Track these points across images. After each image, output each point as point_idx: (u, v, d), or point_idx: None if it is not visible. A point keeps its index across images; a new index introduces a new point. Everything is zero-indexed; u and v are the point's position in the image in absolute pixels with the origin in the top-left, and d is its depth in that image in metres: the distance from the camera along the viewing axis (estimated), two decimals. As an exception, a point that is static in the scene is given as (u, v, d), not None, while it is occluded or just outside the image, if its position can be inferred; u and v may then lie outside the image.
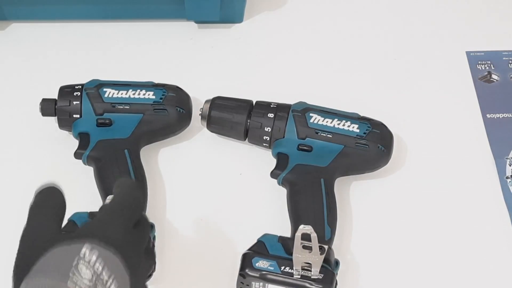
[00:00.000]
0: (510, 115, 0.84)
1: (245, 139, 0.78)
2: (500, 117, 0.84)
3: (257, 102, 0.77)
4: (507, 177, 0.78)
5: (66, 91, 0.77)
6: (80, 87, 0.76)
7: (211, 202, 0.77)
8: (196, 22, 0.91)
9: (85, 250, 0.49)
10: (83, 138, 0.75)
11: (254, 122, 0.76)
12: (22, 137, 0.81)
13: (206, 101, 0.78)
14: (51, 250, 0.49)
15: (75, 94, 0.76)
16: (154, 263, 0.64)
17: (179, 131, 0.79)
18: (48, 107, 0.76)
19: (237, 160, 0.79)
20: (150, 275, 0.63)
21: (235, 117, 0.76)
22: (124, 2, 0.89)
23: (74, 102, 0.76)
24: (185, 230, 0.74)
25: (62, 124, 0.77)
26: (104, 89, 0.76)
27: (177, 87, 0.78)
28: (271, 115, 0.75)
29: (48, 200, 0.54)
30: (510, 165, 0.79)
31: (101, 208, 0.57)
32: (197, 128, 0.81)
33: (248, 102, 0.77)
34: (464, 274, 0.72)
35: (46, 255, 0.49)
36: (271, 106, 0.76)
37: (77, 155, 0.74)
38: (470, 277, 0.72)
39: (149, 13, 0.90)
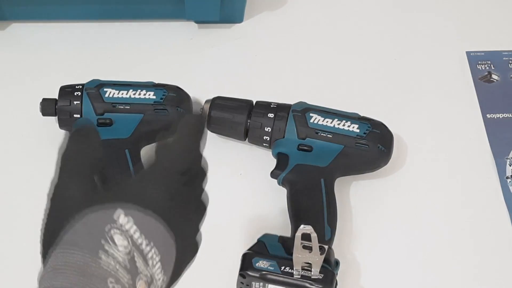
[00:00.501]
0: (510, 115, 0.84)
1: (245, 139, 0.78)
2: (500, 117, 0.84)
3: (257, 102, 0.77)
4: (507, 177, 0.78)
5: (67, 91, 0.77)
6: (81, 87, 0.76)
7: (211, 202, 0.76)
8: (196, 22, 0.91)
9: (119, 214, 0.44)
10: None
11: (254, 122, 0.76)
12: (22, 137, 0.81)
13: (206, 101, 0.78)
14: (81, 214, 0.44)
15: (75, 94, 0.76)
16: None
17: None
18: (48, 107, 0.76)
19: (237, 160, 0.79)
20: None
21: (235, 117, 0.76)
22: (124, 2, 0.89)
23: (75, 102, 0.76)
24: (185, 230, 0.74)
25: (63, 124, 0.77)
26: (105, 89, 0.76)
27: (178, 87, 0.78)
28: (271, 115, 0.75)
29: (83, 146, 0.47)
30: (510, 165, 0.79)
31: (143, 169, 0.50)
32: (197, 128, 0.80)
33: (248, 102, 0.77)
34: (464, 274, 0.72)
35: (76, 220, 0.43)
36: (271, 106, 0.76)
37: None
38: (470, 277, 0.72)
39: (149, 13, 0.90)
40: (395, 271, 0.72)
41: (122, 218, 0.44)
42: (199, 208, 0.52)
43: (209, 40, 0.91)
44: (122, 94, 0.76)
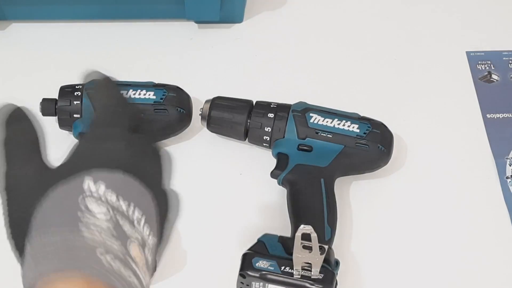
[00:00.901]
0: (510, 115, 0.84)
1: (245, 139, 0.78)
2: (500, 117, 0.84)
3: (257, 102, 0.77)
4: (507, 177, 0.78)
5: (67, 91, 0.77)
6: (81, 87, 0.76)
7: (211, 202, 0.77)
8: (196, 22, 0.91)
9: (87, 183, 0.41)
10: None
11: (254, 122, 0.76)
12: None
13: (206, 101, 0.78)
14: (47, 195, 0.40)
15: (75, 94, 0.76)
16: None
17: (180, 131, 0.79)
18: (48, 107, 0.76)
19: (237, 160, 0.79)
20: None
21: (235, 117, 0.76)
22: (124, 2, 0.89)
23: (75, 102, 0.76)
24: (185, 230, 0.74)
25: (63, 124, 0.77)
26: None
27: (178, 87, 0.78)
28: (271, 115, 0.75)
29: (18, 128, 0.44)
30: (510, 165, 0.79)
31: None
32: (197, 128, 0.81)
33: (248, 102, 0.77)
34: (464, 274, 0.72)
35: (42, 203, 0.40)
36: (271, 106, 0.76)
37: None
38: (470, 277, 0.72)
39: (149, 13, 0.90)
40: (395, 271, 0.72)
41: (92, 185, 0.41)
42: (156, 155, 0.47)
43: (209, 40, 0.91)
44: (122, 94, 0.76)
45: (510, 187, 0.77)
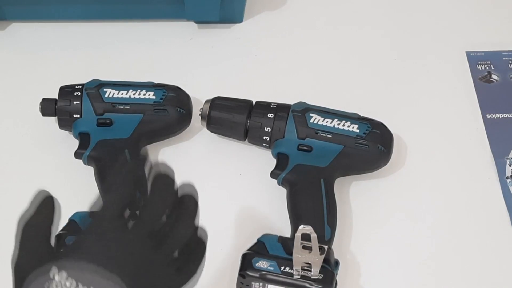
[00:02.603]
0: (510, 115, 0.84)
1: (245, 139, 0.78)
2: (500, 117, 0.84)
3: (257, 102, 0.77)
4: (507, 177, 0.78)
5: (67, 91, 0.77)
6: (81, 87, 0.76)
7: (211, 202, 0.77)
8: (196, 22, 0.91)
9: (54, 271, 0.46)
10: (83, 138, 0.75)
11: (254, 122, 0.76)
12: (22, 137, 0.81)
13: (206, 101, 0.78)
14: (27, 279, 0.47)
15: (75, 94, 0.76)
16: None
17: (179, 131, 0.79)
18: (48, 107, 0.76)
19: (237, 160, 0.79)
20: None
21: (235, 117, 0.76)
22: (124, 2, 0.89)
23: (75, 102, 0.76)
24: (185, 230, 0.74)
25: (62, 124, 0.77)
26: (105, 89, 0.76)
27: (177, 87, 0.79)
28: (271, 115, 0.75)
29: (42, 215, 0.50)
30: (510, 165, 0.79)
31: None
32: (197, 128, 0.81)
33: (248, 102, 0.77)
34: (464, 274, 0.72)
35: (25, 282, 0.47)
36: (271, 106, 0.76)
37: (77, 155, 0.74)
38: (470, 277, 0.72)
39: (149, 13, 0.90)
40: (395, 271, 0.72)
41: (57, 274, 0.46)
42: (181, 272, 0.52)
43: (209, 40, 0.91)
44: (122, 94, 0.76)
45: (510, 187, 0.77)
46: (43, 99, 0.77)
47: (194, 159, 0.79)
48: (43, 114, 0.77)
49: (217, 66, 0.88)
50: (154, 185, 0.51)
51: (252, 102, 0.77)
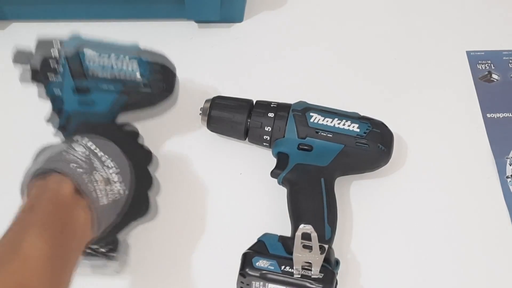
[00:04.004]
0: (510, 115, 0.84)
1: (245, 139, 0.78)
2: (500, 117, 0.84)
3: (257, 101, 0.77)
4: (507, 177, 0.78)
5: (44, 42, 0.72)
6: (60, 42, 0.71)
7: (211, 202, 0.77)
8: (196, 21, 0.91)
9: (77, 137, 0.62)
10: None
11: (254, 122, 0.76)
12: (22, 137, 0.81)
13: (207, 101, 0.78)
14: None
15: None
16: (151, 157, 0.69)
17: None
18: (22, 56, 0.72)
19: (237, 160, 0.79)
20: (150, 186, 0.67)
21: (235, 117, 0.76)
22: (124, 2, 0.89)
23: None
24: (185, 230, 0.74)
25: (35, 78, 0.71)
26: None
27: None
28: (271, 114, 0.75)
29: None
30: (510, 165, 0.79)
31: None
32: (197, 128, 0.81)
33: (248, 101, 0.77)
34: (464, 274, 0.72)
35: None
36: (271, 105, 0.76)
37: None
38: (470, 276, 0.72)
39: (149, 13, 0.90)
40: (395, 270, 0.72)
41: (80, 138, 0.62)
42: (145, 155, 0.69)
43: (209, 40, 0.91)
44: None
45: (510, 186, 0.77)
46: (17, 49, 0.71)
47: (194, 159, 0.79)
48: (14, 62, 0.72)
49: (217, 65, 0.88)
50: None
51: (253, 101, 0.77)
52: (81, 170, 0.58)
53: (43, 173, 0.58)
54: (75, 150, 0.60)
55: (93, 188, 0.58)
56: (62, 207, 0.56)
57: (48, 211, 0.55)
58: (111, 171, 0.61)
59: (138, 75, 0.72)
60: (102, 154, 0.60)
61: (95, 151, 0.60)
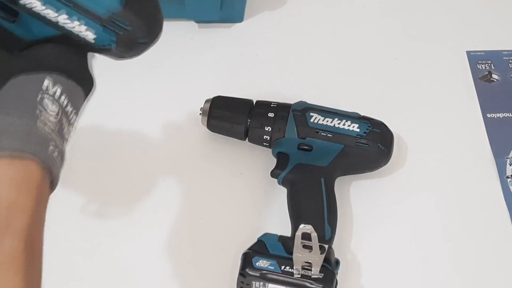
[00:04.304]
0: (510, 115, 0.84)
1: (245, 139, 0.78)
2: (500, 116, 0.84)
3: (257, 101, 0.77)
4: (507, 177, 0.78)
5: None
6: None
7: (211, 202, 0.77)
8: (196, 21, 0.91)
9: (48, 83, 0.48)
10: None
11: (255, 122, 0.76)
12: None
13: (207, 101, 0.78)
14: (11, 80, 0.47)
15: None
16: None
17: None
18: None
19: (237, 160, 0.79)
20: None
21: (236, 117, 0.76)
22: (124, 2, 0.89)
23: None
24: (185, 230, 0.74)
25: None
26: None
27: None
28: (271, 114, 0.75)
29: None
30: (510, 165, 0.79)
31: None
32: (197, 128, 0.80)
33: (249, 101, 0.77)
34: (464, 274, 0.72)
35: (6, 85, 0.47)
36: (272, 105, 0.76)
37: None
38: (470, 276, 0.72)
39: (149, 13, 0.90)
40: (395, 270, 0.72)
41: (51, 86, 0.48)
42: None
43: (209, 40, 0.91)
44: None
45: (510, 186, 0.77)
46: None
47: (194, 159, 0.79)
48: None
49: (217, 65, 0.88)
50: None
51: (253, 101, 0.77)
52: (56, 153, 0.47)
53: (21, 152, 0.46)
54: (47, 110, 0.47)
55: (57, 163, 0.48)
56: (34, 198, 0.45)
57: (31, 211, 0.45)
58: (72, 127, 0.51)
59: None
60: (71, 110, 0.50)
61: (65, 109, 0.49)
